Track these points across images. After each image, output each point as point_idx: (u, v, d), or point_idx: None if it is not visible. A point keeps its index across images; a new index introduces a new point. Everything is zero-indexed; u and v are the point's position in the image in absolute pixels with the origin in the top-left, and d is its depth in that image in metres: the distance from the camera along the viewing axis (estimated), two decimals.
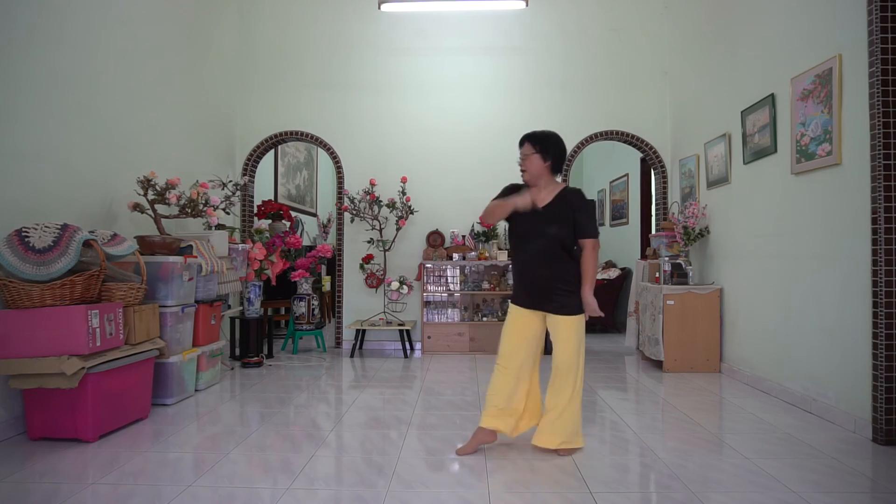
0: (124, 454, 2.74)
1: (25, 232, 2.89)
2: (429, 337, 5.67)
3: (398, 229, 5.64)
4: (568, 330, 2.74)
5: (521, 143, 2.89)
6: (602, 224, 8.97)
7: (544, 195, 2.81)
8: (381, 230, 5.66)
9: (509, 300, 2.85)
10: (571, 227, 2.73)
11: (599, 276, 7.33)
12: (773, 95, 3.90)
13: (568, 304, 2.74)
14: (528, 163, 2.82)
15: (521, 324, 2.83)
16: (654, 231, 6.19)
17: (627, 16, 5.94)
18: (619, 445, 2.92)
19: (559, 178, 2.93)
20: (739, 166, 4.42)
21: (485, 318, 5.75)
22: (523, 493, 2.32)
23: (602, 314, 2.76)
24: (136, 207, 3.91)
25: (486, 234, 5.73)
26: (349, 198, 5.64)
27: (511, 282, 5.74)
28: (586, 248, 2.76)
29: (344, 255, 5.98)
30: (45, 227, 2.95)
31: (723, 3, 4.71)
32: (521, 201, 2.70)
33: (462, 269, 5.80)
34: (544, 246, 2.73)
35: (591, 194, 9.53)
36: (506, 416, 2.83)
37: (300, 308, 5.65)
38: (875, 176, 2.94)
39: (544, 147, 2.81)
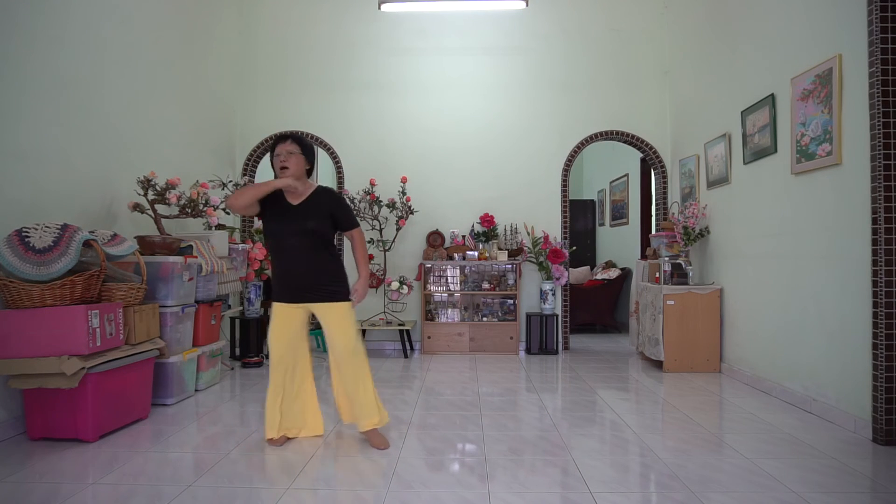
0: (124, 454, 2.74)
1: (25, 232, 2.89)
2: (429, 337, 5.67)
3: (398, 229, 5.64)
4: (341, 316, 2.84)
5: (283, 140, 2.86)
6: (602, 224, 8.97)
7: (298, 195, 2.87)
8: (381, 230, 5.66)
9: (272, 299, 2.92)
10: (329, 221, 2.85)
11: (599, 277, 7.33)
12: (773, 95, 3.90)
13: (336, 291, 2.85)
14: (293, 160, 2.84)
15: (286, 320, 2.86)
16: (654, 231, 6.19)
17: (627, 16, 5.95)
18: (619, 445, 2.92)
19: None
20: (739, 166, 4.42)
21: (485, 318, 5.75)
22: (523, 493, 2.32)
23: (356, 301, 2.87)
24: (136, 207, 3.91)
25: (486, 234, 5.73)
26: (349, 198, 5.63)
27: (511, 282, 5.74)
28: (354, 238, 2.96)
29: (344, 256, 5.98)
30: (46, 227, 2.95)
31: (723, 3, 4.71)
32: (282, 182, 2.75)
33: (462, 269, 5.80)
34: (303, 241, 2.80)
35: (591, 194, 9.54)
36: (287, 420, 2.93)
37: None
38: (875, 176, 2.94)
39: (305, 150, 2.89)
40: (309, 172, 2.92)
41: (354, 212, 5.58)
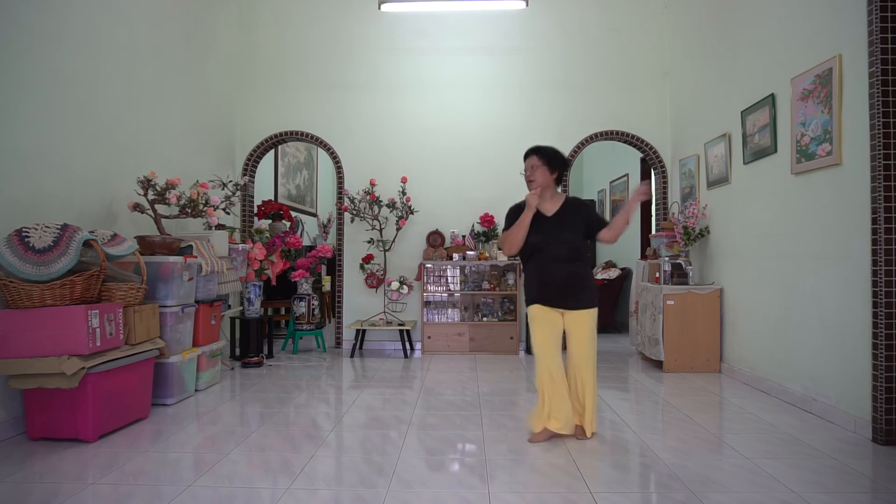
0: (124, 454, 2.74)
1: (25, 232, 2.89)
2: (429, 337, 5.67)
3: (398, 229, 5.64)
4: (586, 324, 2.95)
5: (528, 155, 3.07)
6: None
7: (551, 205, 3.03)
8: (381, 230, 5.66)
9: (529, 303, 3.07)
10: (582, 231, 2.99)
11: (599, 277, 7.34)
12: (773, 95, 3.90)
13: (587, 298, 2.96)
14: (538, 173, 3.01)
15: (547, 320, 2.98)
16: (654, 231, 6.19)
17: (627, 16, 5.94)
18: (619, 445, 2.92)
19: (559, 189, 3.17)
20: (739, 166, 4.42)
21: (485, 319, 5.75)
22: (523, 493, 2.32)
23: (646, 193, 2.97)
24: (136, 207, 3.91)
25: (486, 234, 5.73)
26: (349, 198, 5.64)
27: (511, 282, 5.75)
28: (606, 229, 3.01)
29: (344, 255, 5.98)
30: (45, 227, 2.95)
31: (723, 3, 4.71)
32: (532, 202, 2.93)
33: (462, 269, 5.80)
34: (561, 250, 2.93)
35: (590, 194, 9.55)
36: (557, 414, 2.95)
37: (300, 308, 5.65)
38: (875, 176, 2.94)
39: (551, 160, 3.06)
40: (559, 181, 3.07)
41: (355, 211, 5.60)
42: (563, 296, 2.94)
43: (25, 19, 3.18)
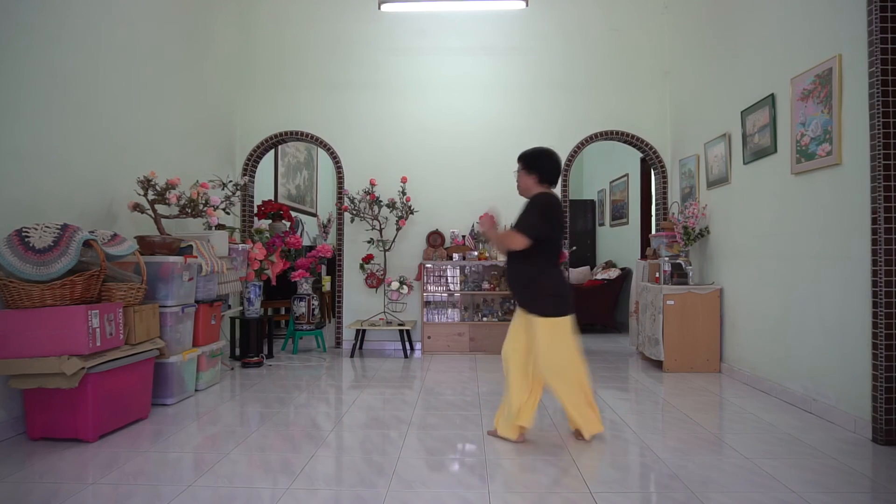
0: (124, 454, 2.74)
1: (25, 232, 2.89)
2: (429, 337, 5.67)
3: (398, 229, 5.64)
4: (536, 331, 2.88)
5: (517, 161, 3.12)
6: (602, 224, 8.97)
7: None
8: (381, 230, 5.66)
9: None
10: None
11: (600, 276, 7.34)
12: (773, 95, 3.90)
13: (535, 304, 2.89)
14: (519, 177, 3.10)
15: (515, 318, 3.07)
16: (654, 231, 6.19)
17: (627, 16, 5.94)
18: (619, 445, 2.92)
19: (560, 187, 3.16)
20: (739, 166, 4.42)
21: (485, 318, 5.75)
22: (523, 493, 2.32)
23: (483, 228, 2.98)
24: (136, 207, 3.91)
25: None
26: (349, 198, 5.64)
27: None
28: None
29: (344, 255, 5.98)
30: (46, 227, 2.94)
31: (723, 3, 4.71)
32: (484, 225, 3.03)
33: (462, 269, 5.80)
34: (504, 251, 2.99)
35: (590, 194, 9.54)
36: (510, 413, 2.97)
37: (300, 308, 5.65)
38: (875, 176, 2.94)
39: (528, 163, 3.04)
40: (548, 181, 3.02)
41: (355, 211, 5.59)
42: (514, 296, 3.03)
43: (25, 19, 3.18)
